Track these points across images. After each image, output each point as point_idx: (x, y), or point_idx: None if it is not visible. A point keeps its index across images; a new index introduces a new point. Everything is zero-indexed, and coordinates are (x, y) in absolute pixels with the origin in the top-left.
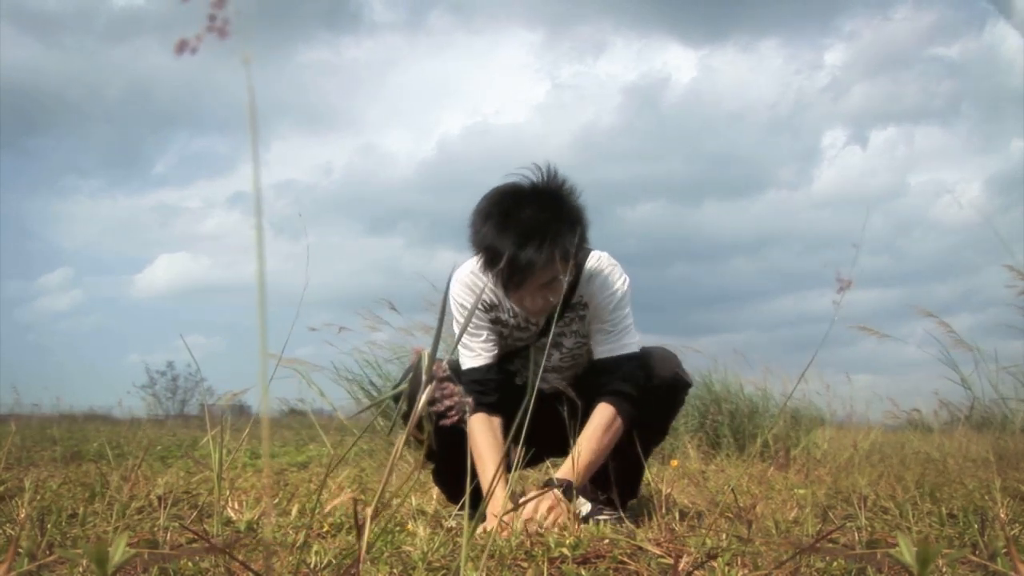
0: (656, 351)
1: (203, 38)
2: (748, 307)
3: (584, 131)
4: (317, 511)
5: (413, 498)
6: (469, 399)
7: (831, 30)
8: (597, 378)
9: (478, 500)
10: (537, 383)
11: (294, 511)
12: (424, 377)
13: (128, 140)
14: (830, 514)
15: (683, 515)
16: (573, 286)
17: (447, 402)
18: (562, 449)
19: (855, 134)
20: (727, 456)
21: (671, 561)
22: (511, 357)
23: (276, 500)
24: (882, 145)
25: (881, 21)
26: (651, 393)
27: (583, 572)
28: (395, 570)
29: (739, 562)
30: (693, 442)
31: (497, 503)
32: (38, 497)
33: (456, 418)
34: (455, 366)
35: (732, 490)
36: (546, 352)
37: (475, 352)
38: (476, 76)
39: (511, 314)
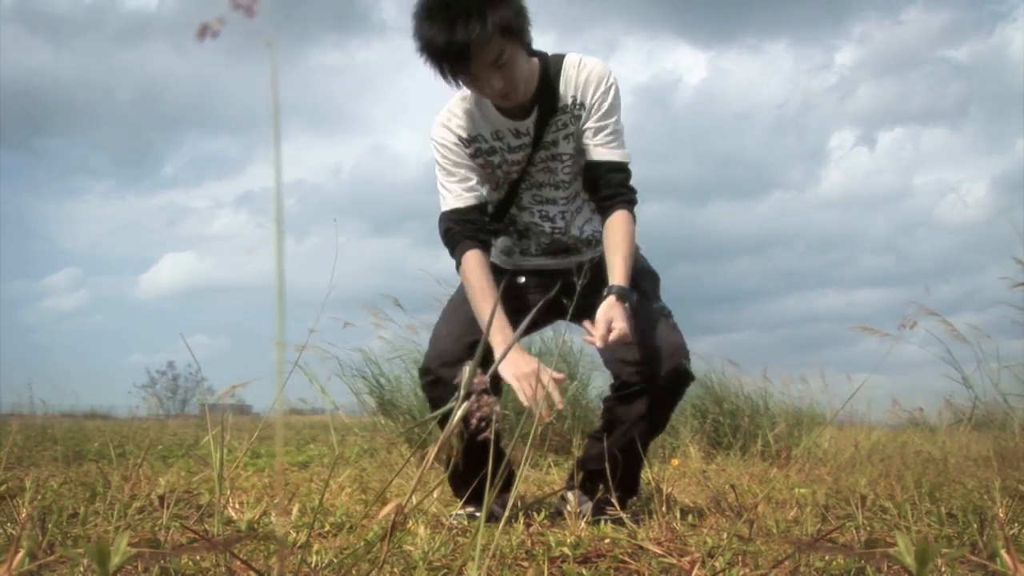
0: (664, 340)
1: (225, 21)
2: (751, 307)
3: None
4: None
5: (414, 497)
6: (498, 408)
7: (841, 32)
8: (597, 178)
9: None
10: (543, 250)
11: (295, 510)
12: (463, 392)
13: (138, 141)
14: (827, 514)
15: (684, 514)
16: (550, 83)
17: (479, 413)
18: (558, 314)
19: (863, 135)
20: (728, 455)
21: (672, 560)
22: (508, 231)
23: (276, 500)
24: (889, 146)
25: (892, 24)
26: (653, 383)
27: (584, 571)
28: (396, 569)
29: (740, 561)
30: (695, 441)
31: (501, 335)
32: (39, 497)
33: (489, 433)
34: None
35: (733, 489)
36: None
37: (456, 194)
38: None
39: (494, 136)
